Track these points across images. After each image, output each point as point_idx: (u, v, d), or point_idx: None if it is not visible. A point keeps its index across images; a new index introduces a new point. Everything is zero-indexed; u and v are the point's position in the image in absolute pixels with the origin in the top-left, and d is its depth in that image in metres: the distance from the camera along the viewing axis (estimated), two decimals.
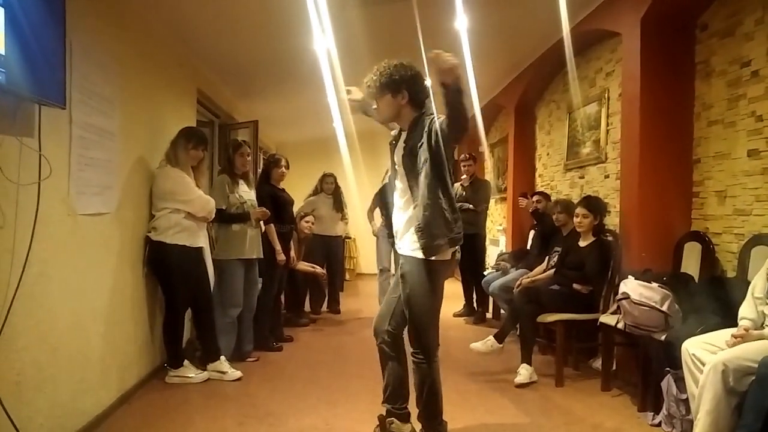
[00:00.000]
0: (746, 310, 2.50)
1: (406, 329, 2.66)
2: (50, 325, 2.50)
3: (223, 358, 3.81)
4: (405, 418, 2.69)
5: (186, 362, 3.70)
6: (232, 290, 4.04)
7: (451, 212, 2.48)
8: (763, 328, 2.41)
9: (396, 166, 2.63)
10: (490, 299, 5.73)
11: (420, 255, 2.46)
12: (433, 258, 2.46)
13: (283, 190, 4.76)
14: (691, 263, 3.41)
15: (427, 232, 2.44)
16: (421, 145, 2.47)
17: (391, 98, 2.55)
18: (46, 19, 2.24)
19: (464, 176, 5.95)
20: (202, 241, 3.75)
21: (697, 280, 3.26)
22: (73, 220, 2.70)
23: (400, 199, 2.61)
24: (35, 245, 2.31)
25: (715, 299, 2.85)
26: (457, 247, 2.54)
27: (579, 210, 3.88)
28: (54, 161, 2.42)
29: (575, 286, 3.80)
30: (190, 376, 3.65)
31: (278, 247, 4.46)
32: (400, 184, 2.60)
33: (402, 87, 2.53)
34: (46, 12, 2.24)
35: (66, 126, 2.63)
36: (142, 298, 3.58)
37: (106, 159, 3.09)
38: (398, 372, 2.69)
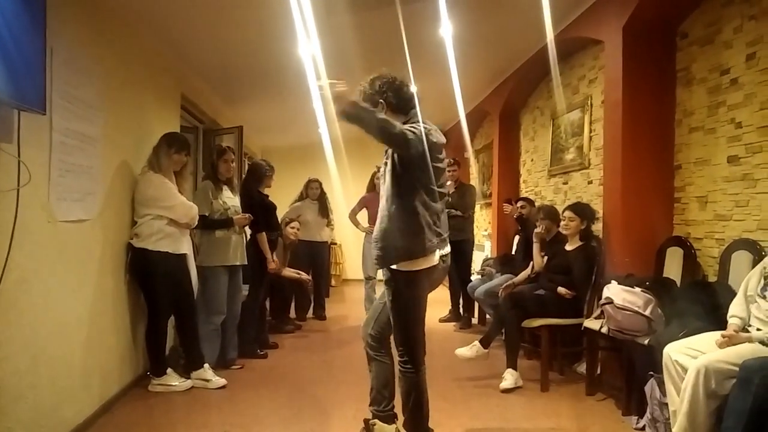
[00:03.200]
0: (736, 309, 2.53)
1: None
2: (30, 332, 2.46)
3: (207, 365, 3.77)
4: (389, 419, 2.69)
5: (169, 370, 3.66)
6: (215, 297, 4.01)
7: (414, 223, 2.44)
8: (750, 327, 2.44)
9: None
10: (476, 304, 5.74)
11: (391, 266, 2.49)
12: (396, 269, 2.46)
13: (267, 196, 4.74)
14: (673, 268, 3.45)
15: (382, 244, 2.49)
16: (389, 154, 2.52)
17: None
18: (26, 24, 2.21)
19: (449, 182, 5.97)
20: (185, 247, 3.72)
21: (679, 285, 3.29)
22: (53, 227, 2.66)
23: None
24: (14, 252, 2.27)
25: (697, 303, 2.88)
26: (437, 255, 2.50)
27: (566, 213, 3.92)
28: (33, 167, 2.39)
29: (560, 290, 3.81)
30: (173, 384, 3.61)
31: (269, 255, 4.45)
32: (381, 191, 2.64)
33: (379, 97, 2.56)
34: (26, 17, 2.21)
35: (46, 132, 2.60)
36: (125, 306, 3.53)
37: (88, 165, 3.05)
38: (382, 374, 2.69)
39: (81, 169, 2.96)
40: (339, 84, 2.27)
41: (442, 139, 2.60)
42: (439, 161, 2.55)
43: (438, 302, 5.94)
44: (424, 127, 2.47)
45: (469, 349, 3.83)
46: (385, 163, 2.58)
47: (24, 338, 2.41)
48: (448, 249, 2.60)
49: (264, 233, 4.42)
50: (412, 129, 2.40)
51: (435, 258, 2.50)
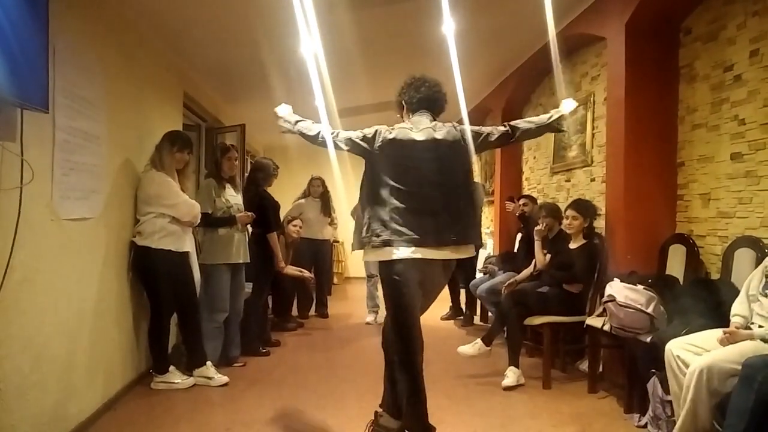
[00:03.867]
0: (739, 308, 2.53)
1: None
2: (34, 331, 2.47)
3: (209, 363, 3.77)
4: (396, 413, 2.68)
5: (172, 368, 3.67)
6: (218, 295, 4.01)
7: (369, 216, 2.56)
8: (752, 325, 2.44)
9: None
10: (478, 302, 5.74)
11: None
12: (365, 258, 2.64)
13: (269, 194, 4.74)
14: (675, 265, 3.44)
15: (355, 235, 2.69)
16: None
17: (400, 117, 2.80)
18: (29, 22, 2.22)
19: None
20: (188, 245, 3.73)
21: (681, 282, 3.28)
22: (56, 225, 2.67)
23: None
24: (17, 250, 2.28)
25: (700, 301, 2.88)
26: (394, 251, 2.47)
27: (569, 212, 3.91)
28: (37, 166, 2.39)
29: (565, 286, 3.82)
30: (176, 381, 3.62)
31: (280, 255, 4.45)
32: None
33: (401, 99, 2.76)
34: (29, 15, 2.22)
35: (49, 130, 2.60)
36: (127, 304, 3.54)
37: (91, 163, 3.06)
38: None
39: (84, 168, 2.97)
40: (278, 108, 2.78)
41: (421, 137, 2.58)
42: (410, 159, 2.54)
43: (438, 300, 5.92)
44: (385, 127, 2.61)
45: (472, 346, 3.83)
46: None
47: (27, 336, 2.42)
48: (418, 251, 2.49)
49: (275, 233, 4.43)
50: (356, 132, 2.61)
51: (393, 254, 2.47)
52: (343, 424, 3.04)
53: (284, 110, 2.80)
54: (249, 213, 4.12)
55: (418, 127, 2.61)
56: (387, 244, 2.49)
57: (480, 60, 5.55)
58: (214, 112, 6.13)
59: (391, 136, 2.58)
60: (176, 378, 3.64)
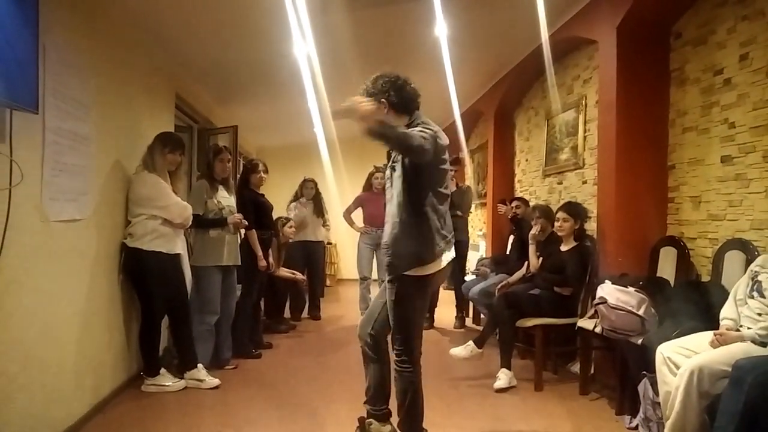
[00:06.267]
0: (728, 311, 2.55)
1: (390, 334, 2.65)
2: (21, 333, 2.45)
3: (200, 365, 3.75)
4: (384, 418, 2.69)
5: (163, 370, 3.65)
6: (209, 297, 3.99)
7: (425, 229, 2.45)
8: (741, 327, 2.46)
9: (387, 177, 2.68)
10: (471, 304, 5.74)
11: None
12: (404, 273, 2.45)
13: (263, 195, 4.73)
14: (666, 267, 3.46)
15: (393, 250, 2.48)
16: (398, 159, 2.51)
17: (378, 112, 2.54)
18: (18, 22, 2.20)
19: (452, 181, 5.96)
20: (179, 247, 3.71)
21: (672, 285, 3.30)
22: (46, 227, 2.65)
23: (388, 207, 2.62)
24: (6, 252, 2.26)
25: (691, 303, 2.89)
26: (444, 258, 2.50)
27: (560, 214, 3.92)
28: (26, 167, 2.38)
29: (557, 288, 3.83)
30: (166, 384, 3.59)
31: (260, 253, 4.43)
32: (388, 194, 2.63)
33: (381, 97, 2.53)
34: (18, 15, 2.20)
35: (39, 131, 2.58)
36: (118, 306, 3.52)
37: (81, 164, 3.04)
38: (379, 374, 2.69)
39: (74, 169, 2.95)
40: (366, 103, 2.31)
41: (446, 141, 2.54)
42: (444, 163, 2.54)
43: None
44: (434, 130, 2.45)
45: (464, 348, 3.83)
46: (393, 168, 2.55)
47: (14, 340, 2.39)
48: (453, 251, 2.58)
49: (254, 231, 4.40)
50: (424, 136, 2.33)
51: (443, 262, 2.50)
52: (334, 426, 3.03)
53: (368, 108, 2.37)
54: (239, 215, 4.10)
55: (436, 128, 2.53)
56: (441, 254, 2.48)
57: (472, 63, 5.57)
58: (207, 114, 6.12)
59: (442, 142, 2.47)
60: (167, 380, 3.61)
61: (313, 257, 6.31)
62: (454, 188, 5.79)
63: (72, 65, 2.91)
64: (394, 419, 2.68)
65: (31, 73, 2.32)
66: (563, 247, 3.94)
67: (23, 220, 2.44)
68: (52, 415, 2.71)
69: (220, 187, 4.13)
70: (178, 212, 3.58)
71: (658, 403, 2.61)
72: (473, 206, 7.25)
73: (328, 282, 8.89)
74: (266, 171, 4.68)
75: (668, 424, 2.35)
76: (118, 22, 3.61)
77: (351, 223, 6.02)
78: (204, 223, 3.96)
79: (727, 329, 2.46)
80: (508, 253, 5.38)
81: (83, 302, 3.04)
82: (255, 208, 4.46)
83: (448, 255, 2.54)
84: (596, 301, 3.15)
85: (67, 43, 2.85)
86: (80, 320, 3.01)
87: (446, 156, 2.57)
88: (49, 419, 2.68)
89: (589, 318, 3.46)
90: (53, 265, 2.73)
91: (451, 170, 5.93)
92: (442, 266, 2.51)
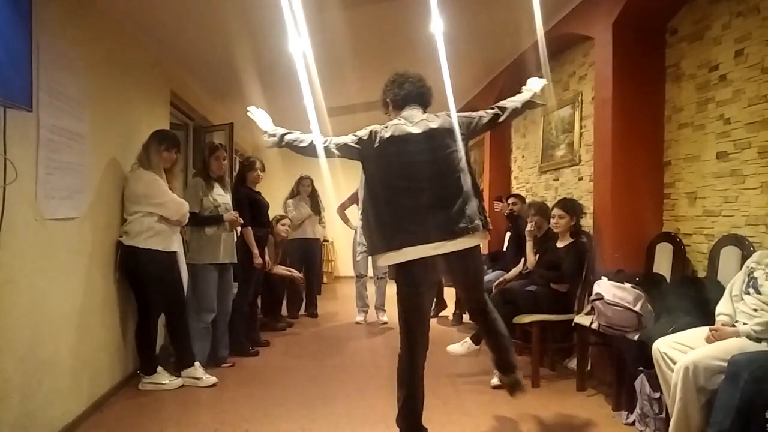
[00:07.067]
0: (723, 307, 2.56)
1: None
2: (17, 332, 2.44)
3: (197, 363, 3.75)
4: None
5: (159, 369, 3.64)
6: (205, 295, 3.99)
7: (373, 221, 2.54)
8: (737, 323, 2.47)
9: None
10: None
11: None
12: (379, 263, 2.59)
13: (259, 193, 4.72)
14: (662, 264, 3.47)
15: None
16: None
17: (386, 116, 2.73)
18: (12, 20, 2.19)
19: None
20: (175, 245, 3.70)
21: (668, 280, 3.31)
22: (41, 225, 2.64)
23: None
24: (0, 251, 2.25)
25: (687, 299, 2.90)
26: (409, 251, 2.44)
27: (555, 211, 3.92)
28: (20, 165, 2.37)
29: (553, 285, 3.83)
30: (163, 382, 3.59)
31: (256, 250, 4.42)
32: None
33: (385, 98, 2.71)
34: (12, 13, 2.19)
35: (33, 129, 2.57)
36: (114, 304, 3.51)
37: (76, 162, 3.02)
38: (490, 341, 2.83)
39: (69, 167, 2.93)
40: (254, 115, 2.71)
41: (417, 129, 2.53)
42: (409, 155, 2.49)
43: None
44: (380, 126, 2.55)
45: (461, 345, 3.82)
46: None
47: (9, 339, 2.38)
48: (429, 247, 2.45)
49: (250, 228, 4.39)
50: (349, 137, 2.56)
51: (407, 254, 2.45)
52: (331, 423, 3.03)
53: (265, 122, 2.70)
54: (235, 213, 4.08)
55: (413, 120, 2.56)
56: (397, 246, 2.45)
57: (469, 59, 5.56)
58: (202, 111, 6.09)
59: (388, 134, 2.52)
60: (164, 379, 3.61)
61: (310, 255, 6.31)
62: None
63: (67, 63, 2.90)
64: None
65: (25, 71, 2.30)
66: (559, 244, 3.95)
67: (18, 219, 2.42)
68: (49, 414, 2.70)
69: (216, 185, 4.12)
70: (175, 209, 3.57)
71: (655, 399, 2.62)
72: None
73: (325, 279, 8.89)
74: (263, 169, 4.68)
75: (672, 421, 2.35)
76: (114, 20, 3.59)
77: (345, 219, 6.01)
78: (200, 220, 3.95)
79: (723, 325, 2.47)
80: (504, 249, 5.39)
81: (79, 301, 3.03)
82: (251, 205, 4.46)
83: (419, 249, 2.44)
84: (593, 297, 3.16)
85: (61, 40, 2.84)
86: (76, 319, 3.00)
87: (409, 147, 2.50)
88: (46, 418, 2.68)
89: (586, 314, 3.46)
90: (48, 263, 2.72)
91: None
92: (405, 259, 2.45)
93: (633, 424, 2.87)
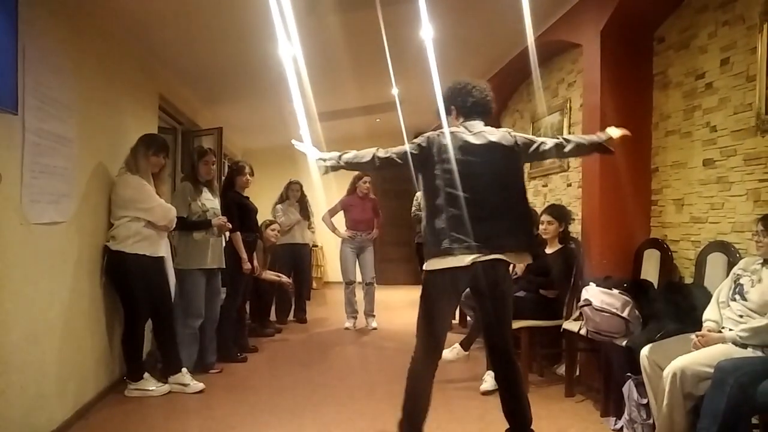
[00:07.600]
0: (710, 313, 2.58)
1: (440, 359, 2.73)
2: (1, 338, 2.41)
3: (184, 370, 3.72)
4: None
5: (146, 375, 3.60)
6: (193, 300, 3.96)
7: (427, 226, 2.52)
8: (723, 329, 2.49)
9: None
10: (457, 307, 5.73)
11: None
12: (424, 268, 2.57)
13: (248, 198, 4.70)
14: (650, 270, 3.49)
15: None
16: None
17: (450, 119, 2.69)
18: None
19: None
20: (163, 250, 3.67)
21: (656, 286, 3.33)
22: (26, 230, 2.60)
23: None
24: None
25: (674, 305, 2.92)
26: (450, 259, 2.44)
27: (544, 217, 3.94)
28: (5, 168, 2.34)
29: (542, 291, 3.84)
30: (150, 389, 3.55)
31: (244, 255, 4.40)
32: None
33: (450, 103, 2.68)
34: None
35: (19, 132, 2.54)
36: (100, 309, 3.47)
37: (63, 166, 2.99)
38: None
39: (55, 171, 2.91)
40: (301, 147, 2.70)
41: (477, 140, 2.53)
42: (467, 164, 2.48)
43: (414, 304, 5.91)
44: (436, 133, 2.54)
45: (450, 351, 3.82)
46: None
47: None
48: (470, 257, 2.42)
49: (239, 233, 4.37)
50: (408, 146, 2.53)
51: (449, 262, 2.44)
52: (320, 429, 3.01)
53: (313, 151, 2.67)
54: (223, 218, 4.06)
55: (472, 130, 2.55)
56: (447, 252, 2.43)
57: (458, 66, 5.56)
58: (191, 115, 6.06)
59: (445, 141, 2.51)
60: (151, 385, 3.57)
61: (299, 260, 6.28)
62: None
63: (53, 65, 2.87)
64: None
65: (10, 74, 2.28)
66: (548, 250, 3.96)
67: (2, 223, 2.40)
68: (33, 421, 2.67)
69: (204, 190, 4.09)
70: (162, 214, 3.55)
71: (643, 405, 2.63)
72: None
73: (314, 285, 8.85)
74: (252, 173, 4.66)
75: (657, 427, 2.36)
76: (101, 22, 3.57)
77: (331, 227, 5.95)
78: (188, 225, 3.92)
79: (710, 331, 2.49)
80: None
81: (65, 306, 3.00)
82: (239, 210, 4.44)
83: (468, 257, 2.43)
84: (581, 303, 3.17)
85: (47, 43, 2.81)
86: (62, 324, 2.96)
87: (470, 157, 2.50)
88: (31, 425, 2.64)
89: (574, 320, 3.47)
90: (34, 268, 2.69)
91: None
92: (445, 266, 2.45)
93: (621, 430, 2.88)
